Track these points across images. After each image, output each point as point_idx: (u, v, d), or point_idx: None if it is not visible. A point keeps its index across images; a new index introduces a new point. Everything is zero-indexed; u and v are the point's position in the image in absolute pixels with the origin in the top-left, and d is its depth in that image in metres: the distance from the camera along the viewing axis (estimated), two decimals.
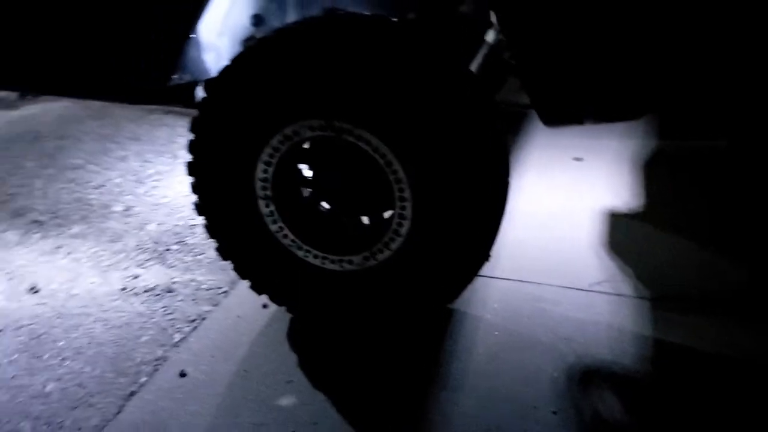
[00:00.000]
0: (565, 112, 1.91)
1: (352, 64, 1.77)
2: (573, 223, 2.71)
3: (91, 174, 3.23)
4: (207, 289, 2.37)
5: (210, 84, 1.91)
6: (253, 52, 1.84)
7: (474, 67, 2.08)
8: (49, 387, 1.95)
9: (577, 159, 3.29)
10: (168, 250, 2.60)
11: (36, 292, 2.37)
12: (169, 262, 2.53)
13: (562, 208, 2.83)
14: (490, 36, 2.08)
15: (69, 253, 2.60)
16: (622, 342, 2.07)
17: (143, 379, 1.98)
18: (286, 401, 1.88)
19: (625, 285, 2.32)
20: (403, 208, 1.89)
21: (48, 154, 3.43)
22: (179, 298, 2.33)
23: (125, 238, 2.69)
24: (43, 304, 2.31)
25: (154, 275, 2.46)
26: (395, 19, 1.89)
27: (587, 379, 1.95)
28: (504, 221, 2.08)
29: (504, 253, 2.52)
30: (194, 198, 2.07)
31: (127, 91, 2.17)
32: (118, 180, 3.17)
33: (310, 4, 2.23)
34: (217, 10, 2.07)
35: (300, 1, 2.23)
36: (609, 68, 1.82)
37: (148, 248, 2.62)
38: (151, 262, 2.53)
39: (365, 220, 2.03)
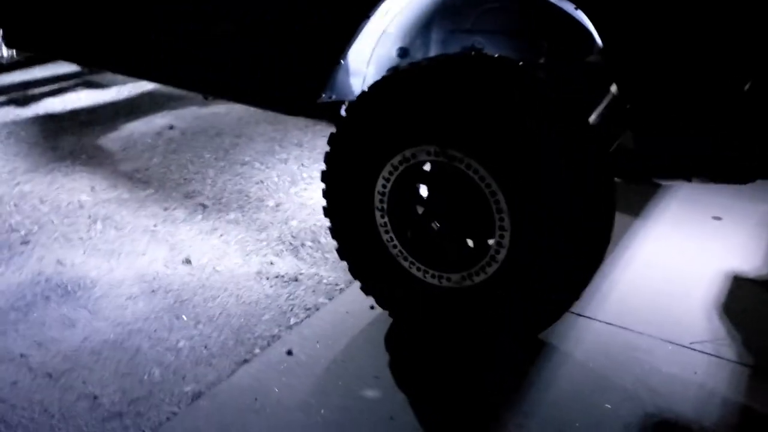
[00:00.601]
0: (674, 168, 1.97)
1: (469, 99, 1.95)
2: (693, 280, 2.68)
3: (255, 170, 3.65)
4: (326, 284, 2.64)
5: (348, 105, 2.18)
6: (386, 82, 2.09)
7: (594, 116, 2.17)
8: (181, 344, 2.31)
9: (716, 218, 3.20)
10: (303, 245, 2.92)
11: (189, 263, 2.78)
12: (300, 255, 2.84)
13: (688, 263, 2.80)
14: (614, 87, 2.17)
15: (222, 235, 3.00)
16: (708, 404, 2.05)
17: (257, 350, 2.28)
18: (370, 393, 2.09)
19: (727, 349, 2.28)
20: (501, 236, 2.04)
21: (224, 149, 3.92)
22: (302, 287, 2.63)
23: (270, 229, 3.05)
24: (192, 275, 2.70)
25: (286, 265, 2.78)
26: (519, 62, 2.05)
27: None
28: (601, 266, 2.17)
29: (613, 297, 2.56)
30: (324, 202, 2.35)
31: (285, 103, 2.50)
32: (276, 179, 3.56)
33: (451, 42, 2.44)
34: (368, 41, 2.34)
35: (443, 38, 2.45)
36: (724, 132, 1.85)
37: (287, 241, 2.95)
38: (286, 253, 2.86)
39: (469, 242, 2.19)
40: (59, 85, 4.96)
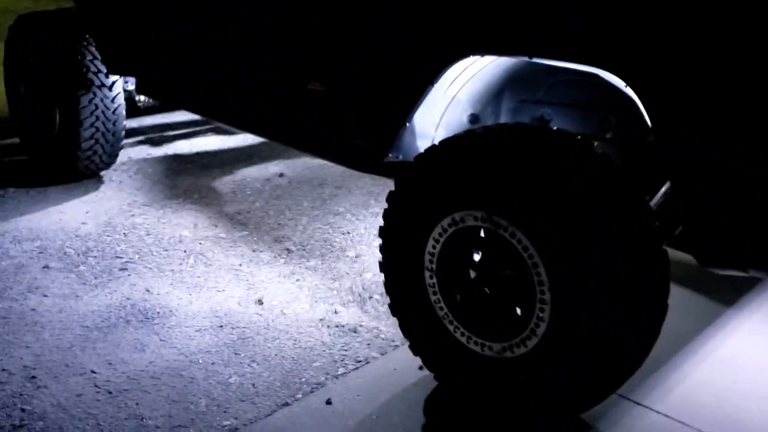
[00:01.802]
0: (728, 258, 1.85)
1: (518, 168, 1.95)
2: None
3: (346, 221, 3.79)
4: (383, 339, 2.68)
5: (406, 166, 2.25)
6: (441, 146, 2.14)
7: (654, 202, 2.09)
8: (232, 379, 2.43)
9: None
10: (370, 297, 2.98)
11: (260, 303, 2.92)
12: (365, 307, 2.90)
13: None
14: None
15: (297, 280, 3.13)
16: None
17: (299, 395, 2.34)
18: None
19: None
20: (542, 310, 1.99)
21: (322, 198, 4.10)
22: (358, 339, 2.68)
23: (343, 279, 3.14)
24: (260, 314, 2.84)
25: (349, 315, 2.84)
26: (576, 135, 2.03)
27: None
28: (647, 353, 2.06)
29: (679, 389, 2.40)
30: (380, 257, 2.41)
31: (356, 161, 2.62)
32: (362, 231, 3.67)
33: (521, 111, 2.45)
34: (436, 106, 2.41)
35: (513, 107, 2.47)
36: None
37: (356, 292, 3.03)
38: (353, 304, 2.93)
39: (516, 311, 2.15)
40: (192, 129, 5.42)
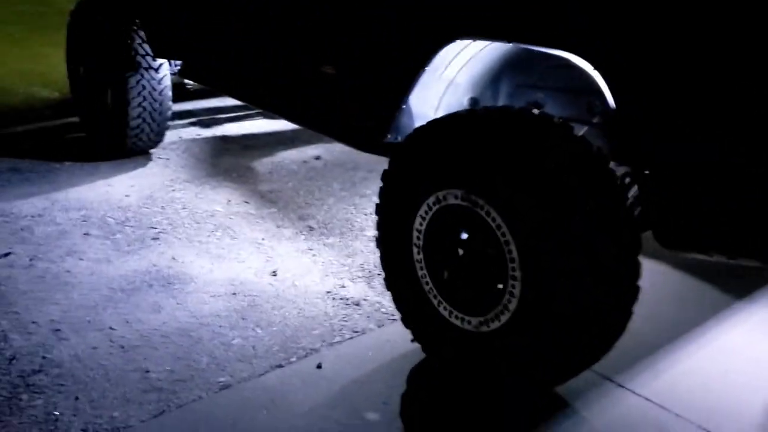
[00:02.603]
0: (688, 241, 1.87)
1: (495, 149, 2.03)
2: None
3: (371, 204, 3.90)
4: (383, 313, 2.79)
5: (395, 148, 2.35)
6: (427, 127, 2.23)
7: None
8: (235, 341, 2.60)
9: None
10: (379, 274, 3.08)
11: (274, 275, 3.08)
12: (372, 284, 3.01)
13: None
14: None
15: (314, 255, 3.28)
16: None
17: (293, 359, 2.49)
18: (372, 416, 2.20)
19: None
20: (513, 286, 2.07)
21: (352, 181, 4.23)
22: (359, 312, 2.80)
23: (357, 257, 3.26)
24: (272, 285, 3.00)
25: (356, 290, 2.97)
26: (556, 120, 2.08)
27: None
28: (619, 333, 2.10)
29: (666, 375, 2.42)
30: (376, 233, 2.52)
31: (358, 140, 2.74)
32: None
33: (518, 95, 2.51)
34: (434, 89, 2.49)
35: (510, 92, 2.52)
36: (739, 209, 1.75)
37: (367, 269, 3.15)
38: (361, 280, 3.05)
39: (491, 287, 2.22)
40: (241, 113, 5.62)
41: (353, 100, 2.68)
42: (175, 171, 4.36)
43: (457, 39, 2.19)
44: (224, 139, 5.04)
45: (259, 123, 5.46)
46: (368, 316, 2.77)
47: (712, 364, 2.51)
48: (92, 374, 2.40)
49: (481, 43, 2.34)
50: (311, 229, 3.57)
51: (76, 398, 2.27)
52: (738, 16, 1.63)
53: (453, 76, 2.48)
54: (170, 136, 4.90)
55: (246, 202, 3.89)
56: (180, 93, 5.54)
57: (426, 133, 2.24)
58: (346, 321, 2.74)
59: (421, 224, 2.31)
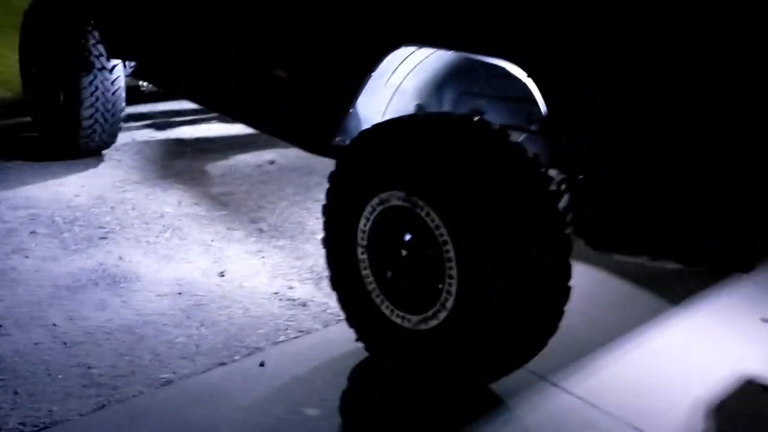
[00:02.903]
0: (614, 243, 1.97)
1: (433, 152, 2.10)
2: (702, 377, 2.54)
3: None
4: (329, 313, 2.83)
5: (341, 151, 2.41)
6: (371, 131, 2.30)
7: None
8: (179, 339, 2.61)
9: (765, 320, 2.98)
10: (327, 276, 3.14)
11: (222, 275, 3.11)
12: (321, 285, 3.06)
13: (707, 359, 2.65)
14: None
15: (263, 257, 3.31)
16: None
17: (237, 357, 2.52)
18: (311, 412, 2.24)
19: None
20: (450, 284, 2.14)
21: (306, 186, 4.28)
22: (306, 312, 2.84)
23: (307, 259, 3.31)
24: (219, 285, 3.02)
25: (303, 291, 3.01)
26: (493, 126, 2.17)
27: None
28: (551, 333, 2.19)
29: (600, 375, 2.51)
30: (323, 234, 2.58)
31: (308, 143, 2.80)
32: None
33: (461, 103, 2.59)
34: (381, 95, 2.57)
35: (455, 99, 2.61)
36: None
37: (315, 271, 3.19)
38: (309, 282, 3.09)
39: (430, 287, 2.29)
40: (197, 116, 5.63)
41: (303, 103, 2.74)
42: (126, 172, 4.35)
43: (402, 46, 2.27)
44: (178, 142, 5.04)
45: (214, 126, 5.48)
46: (314, 317, 2.82)
47: (645, 365, 2.61)
48: (33, 369, 2.39)
49: (426, 51, 2.42)
50: (262, 231, 3.60)
51: (15, 392, 2.27)
52: (651, 33, 1.74)
53: (399, 83, 2.56)
54: (123, 137, 4.89)
55: (196, 204, 3.91)
56: (135, 95, 5.53)
57: (370, 137, 2.30)
58: (291, 321, 2.78)
59: (365, 225, 2.36)
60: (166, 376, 2.40)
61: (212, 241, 3.45)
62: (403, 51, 2.35)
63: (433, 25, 2.17)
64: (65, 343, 2.55)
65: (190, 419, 2.19)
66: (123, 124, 4.57)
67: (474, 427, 2.21)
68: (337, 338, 2.66)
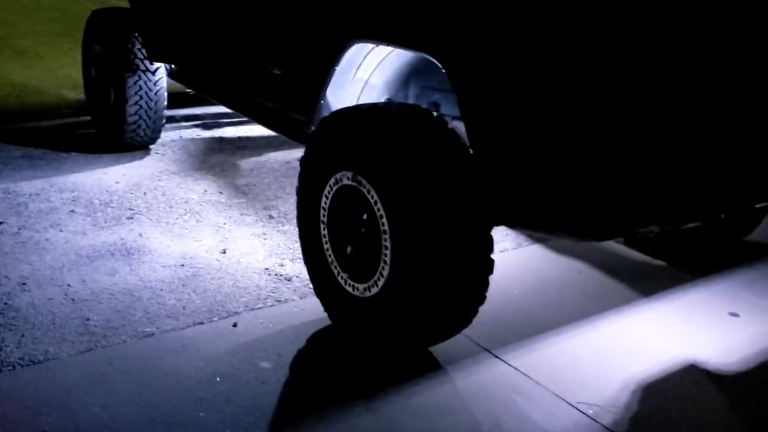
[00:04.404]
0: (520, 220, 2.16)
1: (376, 137, 2.36)
2: (642, 358, 2.66)
3: None
4: (309, 288, 3.11)
5: (308, 136, 2.70)
6: (329, 119, 2.57)
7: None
8: (170, 302, 2.96)
9: (733, 314, 3.04)
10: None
11: (224, 252, 3.45)
12: None
13: (660, 346, 2.77)
14: None
15: (266, 239, 3.63)
16: None
17: (215, 318, 2.84)
18: (264, 365, 2.53)
19: (609, 416, 2.31)
20: (386, 255, 2.38)
21: None
22: (288, 286, 3.13)
23: None
24: (219, 261, 3.36)
25: (292, 268, 3.31)
26: (430, 114, 2.40)
27: None
28: (477, 303, 2.39)
29: (544, 351, 2.68)
30: (297, 213, 2.87)
31: (288, 131, 3.10)
32: None
33: (422, 97, 2.83)
34: (351, 89, 2.84)
35: (417, 93, 2.85)
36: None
37: None
38: (300, 261, 3.37)
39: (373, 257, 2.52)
40: (241, 118, 6.06)
41: (288, 97, 3.05)
42: (166, 164, 4.79)
43: (354, 42, 2.54)
44: (220, 140, 5.47)
45: (256, 127, 5.88)
46: (295, 290, 3.11)
47: (593, 345, 2.75)
48: (41, 319, 2.79)
49: (387, 48, 2.68)
50: (271, 217, 3.93)
51: (22, 335, 2.67)
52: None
53: (367, 78, 2.82)
54: (172, 135, 5.37)
55: (220, 192, 4.29)
56: (187, 98, 6.03)
57: (330, 122, 2.58)
58: (273, 293, 3.08)
59: (325, 203, 2.64)
60: (149, 329, 2.74)
61: (224, 224, 3.81)
62: (361, 47, 2.62)
63: (374, 21, 2.43)
64: (73, 300, 2.94)
65: (160, 363, 2.52)
66: (174, 124, 5.02)
67: (405, 386, 2.43)
68: (309, 308, 2.93)
